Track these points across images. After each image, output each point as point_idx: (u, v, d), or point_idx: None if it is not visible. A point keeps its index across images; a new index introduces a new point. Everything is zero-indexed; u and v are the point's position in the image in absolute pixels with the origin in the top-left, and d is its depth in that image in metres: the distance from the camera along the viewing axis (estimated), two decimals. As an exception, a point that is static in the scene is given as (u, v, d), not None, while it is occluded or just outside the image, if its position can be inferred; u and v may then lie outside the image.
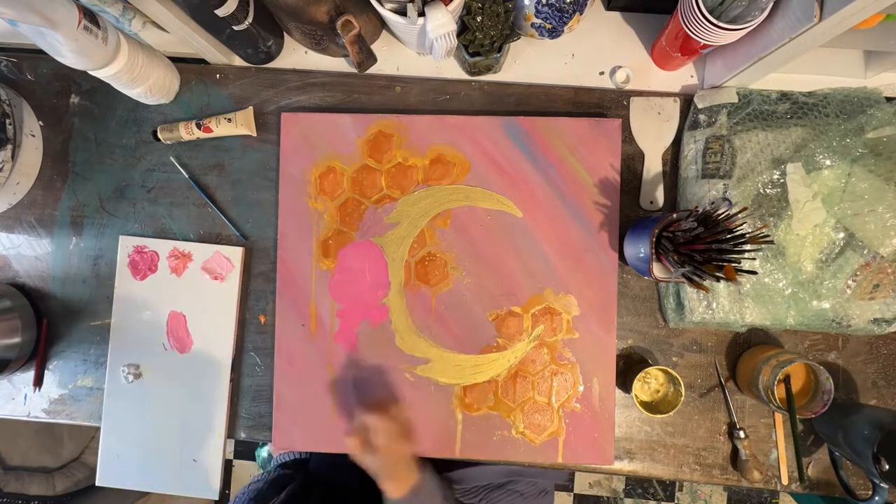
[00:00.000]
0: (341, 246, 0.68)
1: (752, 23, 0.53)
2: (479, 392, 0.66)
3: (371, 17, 0.65)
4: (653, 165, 0.69)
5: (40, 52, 0.55)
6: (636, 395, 0.63)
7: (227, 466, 1.52)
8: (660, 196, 0.68)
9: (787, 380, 0.60)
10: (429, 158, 0.68)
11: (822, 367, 0.60)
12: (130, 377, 0.68)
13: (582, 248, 0.66)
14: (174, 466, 0.68)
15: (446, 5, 0.56)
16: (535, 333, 0.66)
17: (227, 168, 0.71)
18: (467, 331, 0.67)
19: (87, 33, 0.53)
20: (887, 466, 0.56)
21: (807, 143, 0.62)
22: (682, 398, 0.62)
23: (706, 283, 0.53)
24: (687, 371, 0.68)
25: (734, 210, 0.54)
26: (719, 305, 0.63)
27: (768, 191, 0.63)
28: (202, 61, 0.72)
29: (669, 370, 0.63)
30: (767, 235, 0.51)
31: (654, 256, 0.55)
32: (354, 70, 0.71)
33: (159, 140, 0.69)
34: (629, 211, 0.69)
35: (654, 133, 0.69)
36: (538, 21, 0.62)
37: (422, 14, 0.57)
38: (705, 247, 0.51)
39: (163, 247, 0.69)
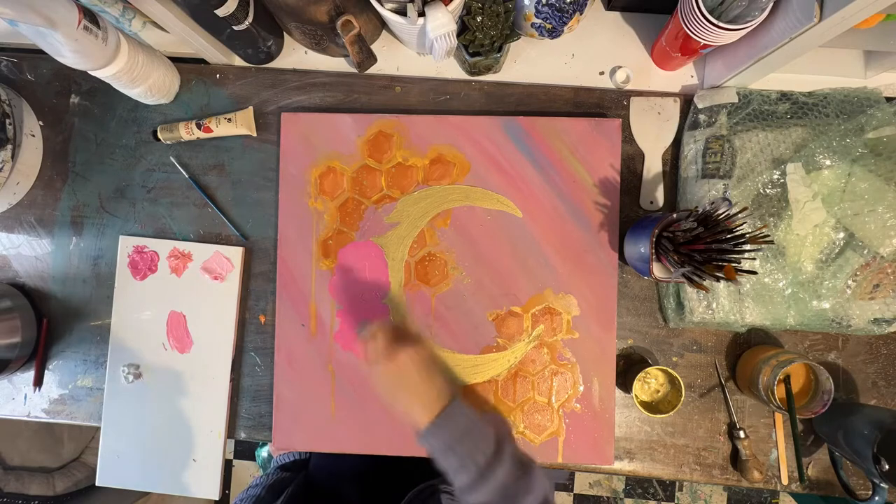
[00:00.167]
0: (341, 246, 0.68)
1: (752, 23, 0.53)
2: (480, 392, 0.66)
3: (371, 17, 0.65)
4: (653, 165, 0.69)
5: (40, 52, 0.55)
6: (636, 395, 0.63)
7: (227, 466, 1.52)
8: (660, 196, 0.68)
9: (787, 380, 0.60)
10: (429, 158, 0.68)
11: (822, 367, 0.60)
12: (130, 377, 0.68)
13: (582, 248, 0.66)
14: (174, 466, 0.68)
15: (446, 5, 0.56)
16: (535, 333, 0.66)
17: (227, 168, 0.71)
18: (467, 331, 0.67)
19: (87, 33, 0.53)
20: (887, 466, 0.56)
21: (807, 143, 0.62)
22: (682, 398, 0.62)
23: (706, 283, 0.53)
24: (687, 371, 0.68)
25: (734, 210, 0.54)
26: (719, 305, 0.63)
27: (768, 191, 0.63)
28: (202, 61, 0.72)
29: (669, 370, 0.63)
30: (767, 235, 0.51)
31: (654, 256, 0.55)
32: (354, 70, 0.71)
33: (159, 140, 0.69)
34: (629, 211, 0.69)
35: (654, 133, 0.69)
36: (538, 21, 0.62)
37: (422, 14, 0.57)
38: (705, 247, 0.51)
39: (163, 247, 0.69)
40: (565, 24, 0.62)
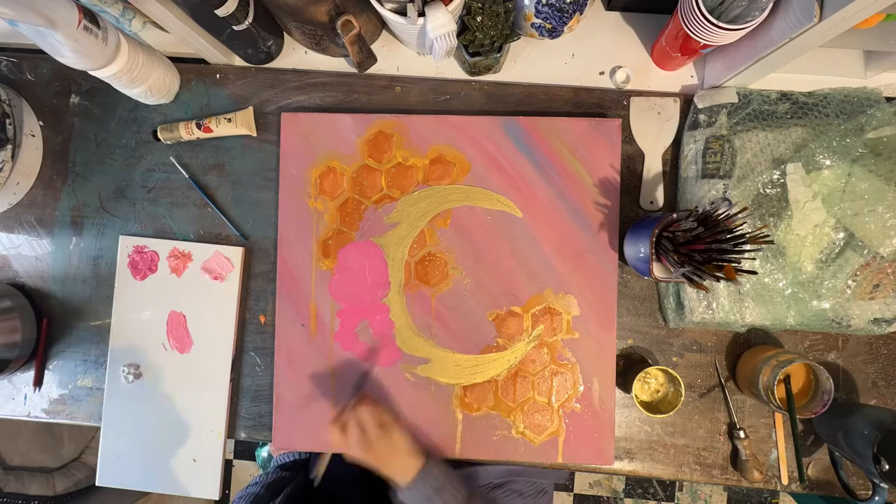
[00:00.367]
0: (341, 246, 0.68)
1: (752, 23, 0.53)
2: (479, 392, 0.66)
3: (371, 17, 0.65)
4: (653, 165, 0.69)
5: (40, 52, 0.55)
6: (636, 395, 0.63)
7: (227, 466, 1.52)
8: (660, 196, 0.68)
9: (787, 380, 0.60)
10: (429, 158, 0.68)
11: (822, 367, 0.60)
12: (130, 377, 0.68)
13: (582, 248, 0.66)
14: (174, 466, 0.68)
15: (446, 5, 0.56)
16: (535, 333, 0.66)
17: (227, 168, 0.71)
18: (467, 331, 0.67)
19: (87, 33, 0.53)
20: (887, 466, 0.56)
21: (807, 143, 0.62)
22: (682, 398, 0.62)
23: (706, 283, 0.53)
24: (687, 371, 0.68)
25: (734, 210, 0.54)
26: (719, 305, 0.63)
27: (768, 191, 0.63)
28: (202, 61, 0.72)
29: (669, 370, 0.63)
30: (767, 235, 0.51)
31: (654, 256, 0.55)
32: (354, 70, 0.71)
33: (159, 140, 0.69)
34: (629, 211, 0.69)
35: (654, 133, 0.69)
36: (538, 21, 0.62)
37: (422, 14, 0.57)
38: (705, 247, 0.51)
39: (163, 247, 0.69)
40: (565, 24, 0.62)
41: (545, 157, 0.67)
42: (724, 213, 0.53)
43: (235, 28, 0.61)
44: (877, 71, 0.67)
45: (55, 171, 0.72)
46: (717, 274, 0.50)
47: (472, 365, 0.66)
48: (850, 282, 0.61)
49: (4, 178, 0.66)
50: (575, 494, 1.48)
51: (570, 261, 0.66)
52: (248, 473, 1.51)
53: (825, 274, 0.62)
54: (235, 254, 0.69)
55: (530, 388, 0.66)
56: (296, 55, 0.73)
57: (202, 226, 0.70)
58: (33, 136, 0.71)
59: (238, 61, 0.72)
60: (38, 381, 0.70)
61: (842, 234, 0.62)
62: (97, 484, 0.69)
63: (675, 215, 0.55)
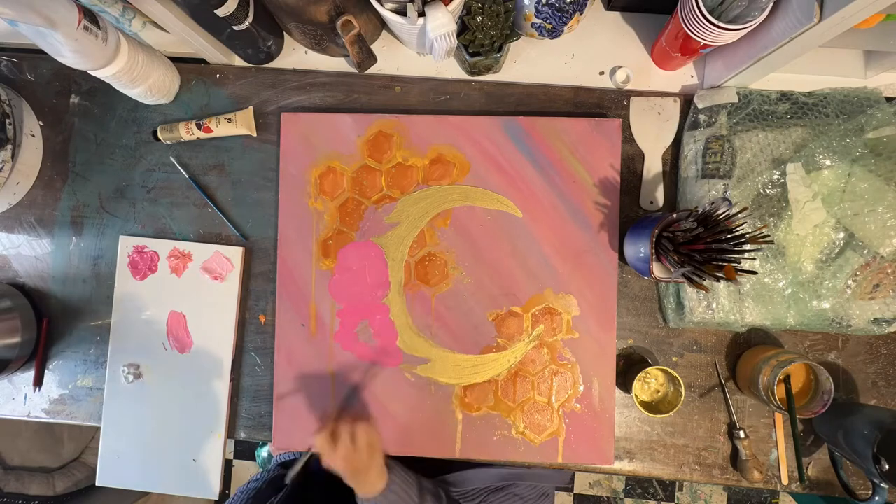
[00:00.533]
0: (341, 246, 0.68)
1: (752, 23, 0.53)
2: (479, 392, 0.66)
3: (371, 17, 0.65)
4: (653, 165, 0.69)
5: (40, 52, 0.55)
6: (636, 395, 0.63)
7: (227, 466, 1.52)
8: (660, 196, 0.68)
9: (787, 380, 0.60)
10: (429, 158, 0.68)
11: (822, 367, 0.60)
12: (130, 377, 0.68)
13: (582, 248, 0.66)
14: (174, 466, 0.68)
15: (446, 5, 0.56)
16: (535, 333, 0.66)
17: (227, 168, 0.71)
18: (467, 331, 0.67)
19: (87, 33, 0.53)
20: (887, 466, 0.56)
21: (807, 143, 0.62)
22: (682, 398, 0.62)
23: (706, 283, 0.53)
24: (687, 371, 0.68)
25: (734, 210, 0.54)
26: (719, 305, 0.63)
27: (768, 191, 0.63)
28: (202, 61, 0.72)
29: (669, 370, 0.63)
30: (767, 235, 0.51)
31: (654, 256, 0.55)
32: (354, 70, 0.71)
33: (159, 140, 0.69)
34: (629, 211, 0.69)
35: (654, 133, 0.69)
36: (538, 21, 0.62)
37: (422, 14, 0.57)
38: (705, 247, 0.51)
39: (163, 247, 0.69)
40: (565, 24, 0.62)
41: (545, 157, 0.67)
42: (724, 213, 0.53)
43: (235, 28, 0.61)
44: (877, 71, 0.67)
45: (55, 171, 0.72)
46: (717, 274, 0.50)
47: (472, 365, 0.66)
48: (850, 282, 0.61)
49: (4, 178, 0.66)
50: (575, 494, 1.48)
51: (570, 261, 0.66)
52: (248, 473, 1.51)
53: (825, 274, 0.62)
54: (235, 254, 0.69)
55: (530, 388, 0.66)
56: (296, 55, 0.73)
57: (202, 226, 0.70)
58: (33, 136, 0.71)
59: (238, 61, 0.72)
60: (38, 381, 0.70)
61: (842, 234, 0.62)
62: (97, 484, 0.69)
63: (675, 215, 0.55)
